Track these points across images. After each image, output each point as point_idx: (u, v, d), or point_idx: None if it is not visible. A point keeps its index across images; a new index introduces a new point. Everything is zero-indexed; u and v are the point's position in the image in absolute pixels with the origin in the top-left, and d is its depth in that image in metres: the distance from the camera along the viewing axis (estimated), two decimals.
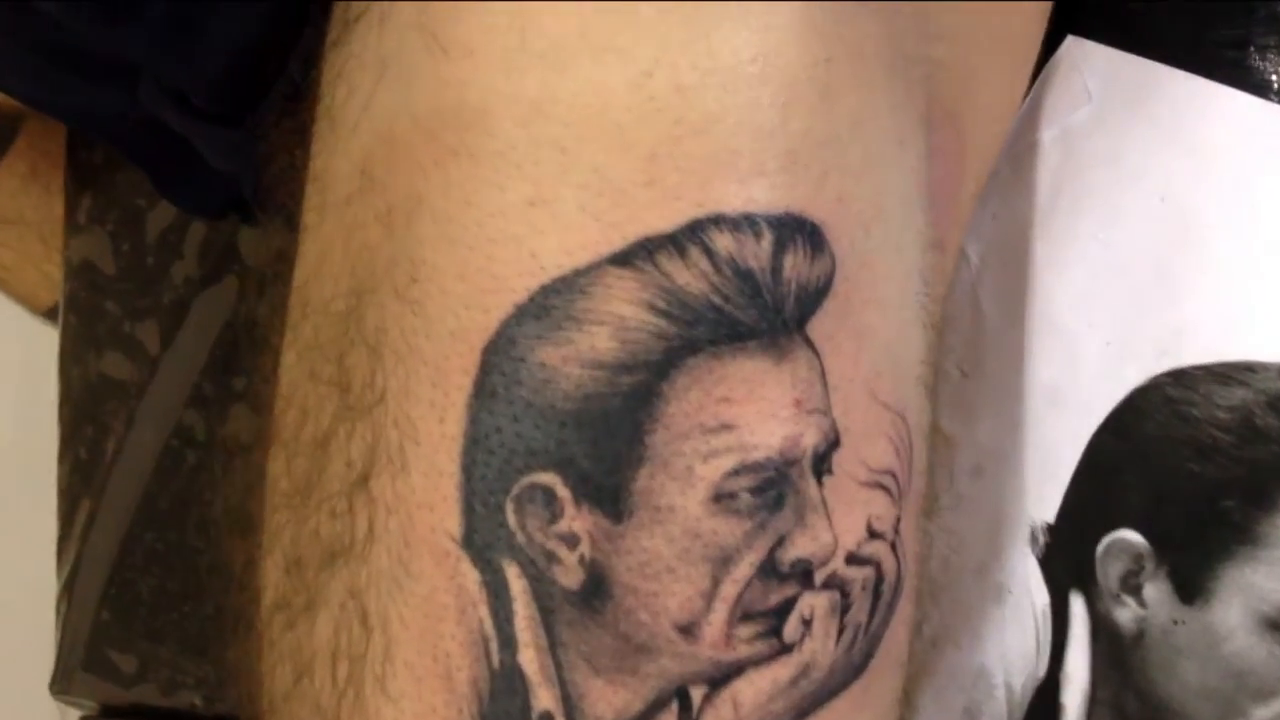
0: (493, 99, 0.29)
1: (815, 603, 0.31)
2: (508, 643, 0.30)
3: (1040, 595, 0.38)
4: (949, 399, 0.40)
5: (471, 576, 0.30)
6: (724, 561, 0.30)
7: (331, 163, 0.32)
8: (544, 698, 0.30)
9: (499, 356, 0.29)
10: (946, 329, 0.40)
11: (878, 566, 0.32)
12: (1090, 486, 0.38)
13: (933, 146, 0.34)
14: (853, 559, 0.31)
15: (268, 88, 0.38)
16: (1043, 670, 0.39)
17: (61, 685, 0.65)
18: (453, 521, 0.30)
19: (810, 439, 0.30)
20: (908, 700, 0.41)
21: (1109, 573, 0.37)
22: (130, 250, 0.63)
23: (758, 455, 0.30)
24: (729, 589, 0.30)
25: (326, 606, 0.32)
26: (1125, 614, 0.37)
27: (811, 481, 0.30)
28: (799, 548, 0.30)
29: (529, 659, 0.30)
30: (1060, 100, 0.38)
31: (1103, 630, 0.38)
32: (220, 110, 0.39)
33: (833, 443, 0.31)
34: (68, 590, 0.66)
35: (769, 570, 0.30)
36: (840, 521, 0.31)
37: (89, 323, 0.65)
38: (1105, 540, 0.37)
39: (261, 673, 0.35)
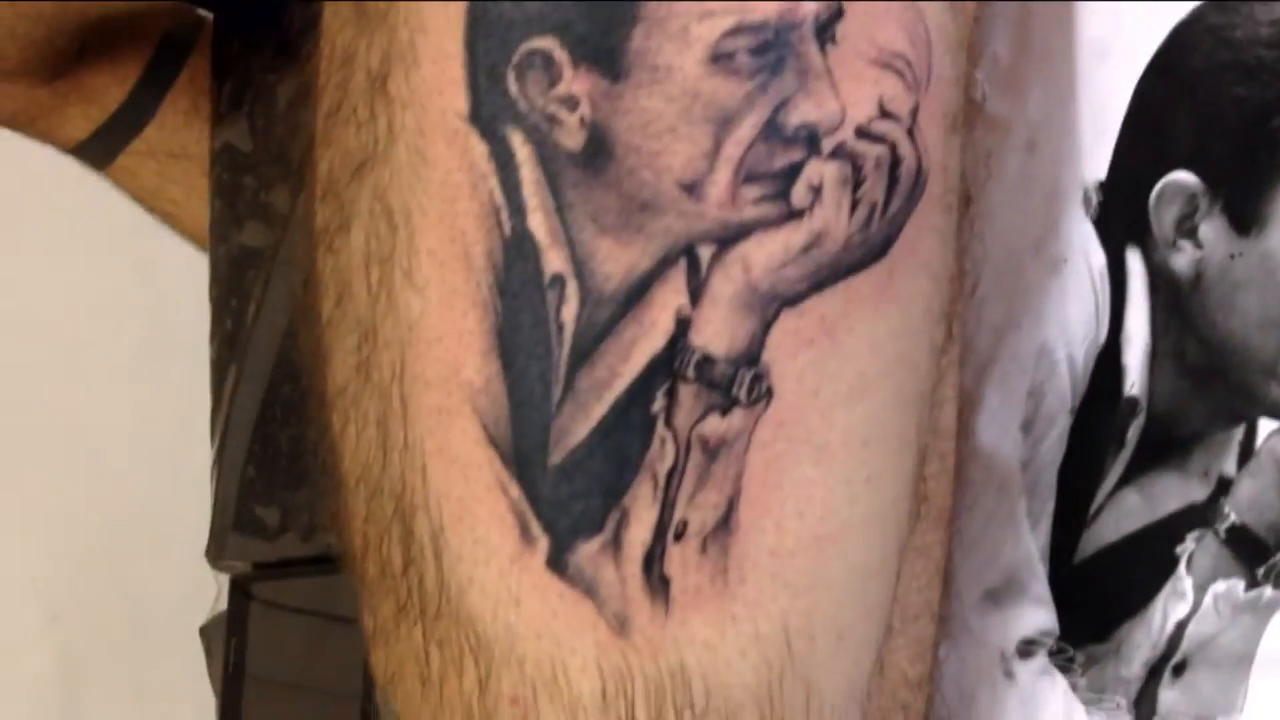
0: None
1: (824, 170, 0.31)
2: (517, 209, 0.31)
3: (1097, 257, 0.38)
4: (998, 83, 0.40)
5: (480, 150, 0.31)
6: (725, 122, 0.31)
7: None
8: (554, 260, 0.31)
9: None
10: (993, 16, 0.40)
11: (893, 148, 0.32)
12: (1140, 134, 0.37)
13: None
14: (863, 133, 0.31)
15: None
16: (1103, 335, 0.38)
17: (216, 550, 0.67)
18: (460, 101, 0.31)
19: (810, 5, 0.31)
20: (973, 394, 0.40)
21: (1163, 220, 0.37)
22: (264, 124, 0.67)
23: (755, 16, 0.30)
24: (731, 149, 0.31)
25: (358, 217, 0.33)
26: (1182, 259, 0.36)
27: (814, 48, 0.31)
28: (802, 112, 0.31)
29: (538, 222, 0.31)
30: None
31: (1161, 281, 0.37)
32: None
33: (835, 13, 0.31)
34: (219, 458, 0.69)
35: (772, 132, 0.31)
36: (848, 93, 0.31)
37: (230, 201, 0.69)
38: (1158, 186, 0.37)
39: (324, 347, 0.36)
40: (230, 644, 0.67)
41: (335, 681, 0.60)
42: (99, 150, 0.74)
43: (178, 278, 0.87)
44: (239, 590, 0.67)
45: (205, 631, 0.72)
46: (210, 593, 0.71)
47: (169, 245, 0.81)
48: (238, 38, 0.68)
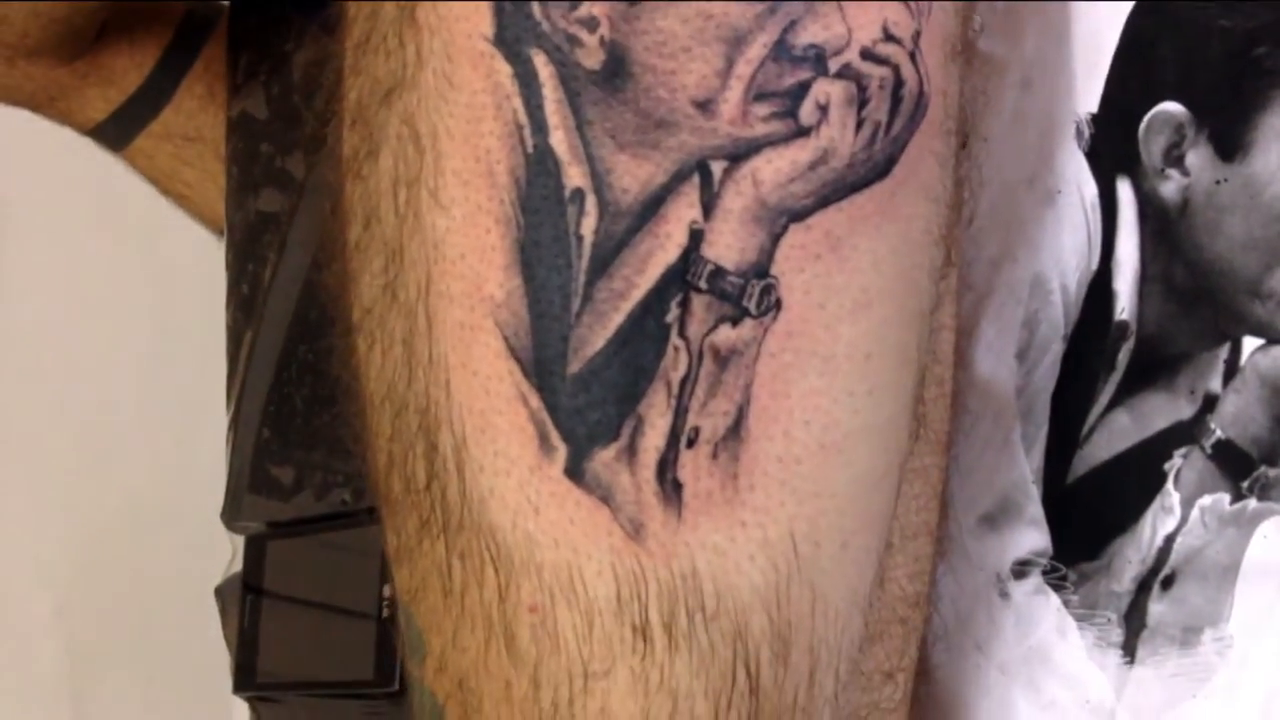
0: None
1: (830, 90, 0.33)
2: (540, 127, 0.32)
3: (1089, 188, 0.39)
4: (995, 25, 0.41)
5: (504, 71, 0.33)
6: (737, 42, 0.32)
7: None
8: (574, 175, 0.32)
9: None
10: None
11: (896, 70, 0.33)
12: (1130, 67, 0.39)
13: None
14: (868, 55, 0.33)
15: None
16: (1095, 263, 0.40)
17: (231, 512, 0.68)
18: (486, 24, 0.33)
19: None
20: (970, 325, 0.42)
21: (1152, 149, 0.38)
22: (280, 92, 0.69)
23: None
24: (743, 68, 0.32)
25: (386, 142, 0.35)
26: (1170, 187, 0.38)
27: None
28: (811, 33, 0.32)
29: (559, 140, 0.32)
30: None
31: (1150, 208, 0.39)
32: None
33: None
34: (234, 422, 0.70)
35: (782, 52, 0.32)
36: (854, 16, 0.33)
37: (247, 168, 0.70)
38: (1147, 117, 0.38)
39: (351, 273, 0.38)
40: (245, 602, 0.69)
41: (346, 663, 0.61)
42: (116, 132, 0.75)
43: (186, 270, 0.88)
44: (254, 549, 0.68)
45: (220, 592, 0.73)
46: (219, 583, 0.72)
47: (180, 232, 0.82)
48: (254, 10, 0.70)
